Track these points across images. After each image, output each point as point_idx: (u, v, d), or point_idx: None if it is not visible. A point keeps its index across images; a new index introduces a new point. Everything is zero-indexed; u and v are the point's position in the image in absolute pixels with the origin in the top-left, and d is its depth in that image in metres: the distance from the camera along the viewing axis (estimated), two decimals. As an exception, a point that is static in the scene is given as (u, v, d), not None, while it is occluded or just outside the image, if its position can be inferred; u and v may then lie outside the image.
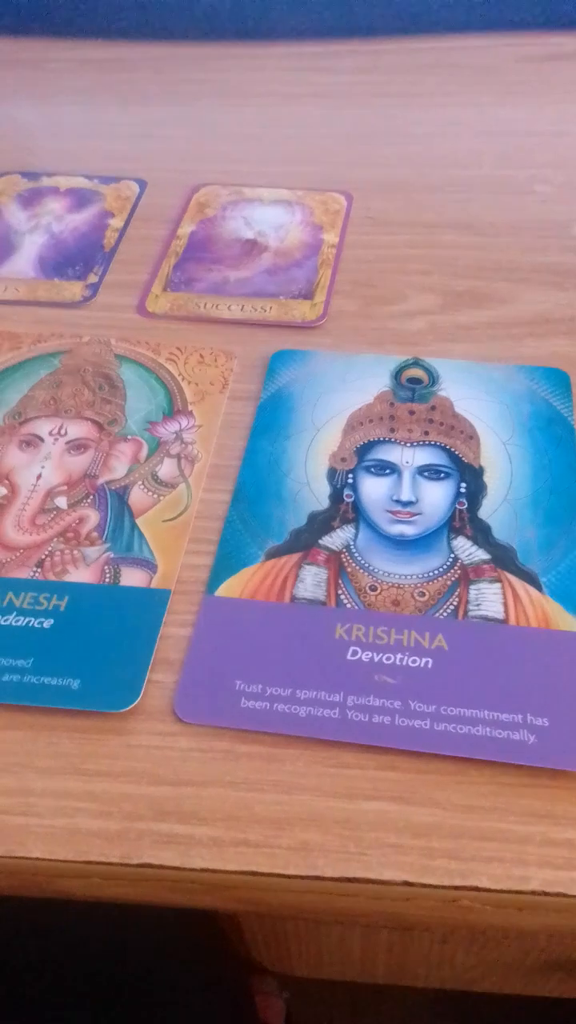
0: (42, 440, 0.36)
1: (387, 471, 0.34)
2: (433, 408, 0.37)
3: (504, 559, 0.31)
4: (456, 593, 0.30)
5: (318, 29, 0.60)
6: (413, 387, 0.38)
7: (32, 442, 0.36)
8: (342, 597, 0.30)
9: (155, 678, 0.29)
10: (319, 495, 0.34)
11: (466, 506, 0.33)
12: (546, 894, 0.24)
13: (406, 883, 0.24)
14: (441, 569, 0.31)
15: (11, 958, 0.40)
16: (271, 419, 0.37)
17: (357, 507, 0.33)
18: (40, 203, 0.48)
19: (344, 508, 0.33)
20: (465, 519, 0.33)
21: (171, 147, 0.53)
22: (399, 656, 0.29)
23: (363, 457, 0.35)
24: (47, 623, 0.30)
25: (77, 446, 0.35)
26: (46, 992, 0.39)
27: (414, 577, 0.31)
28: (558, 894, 0.23)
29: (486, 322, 0.41)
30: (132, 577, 0.31)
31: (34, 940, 0.40)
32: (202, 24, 0.60)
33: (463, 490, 0.34)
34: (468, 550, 0.32)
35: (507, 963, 0.46)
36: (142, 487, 0.34)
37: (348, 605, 0.30)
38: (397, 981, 0.51)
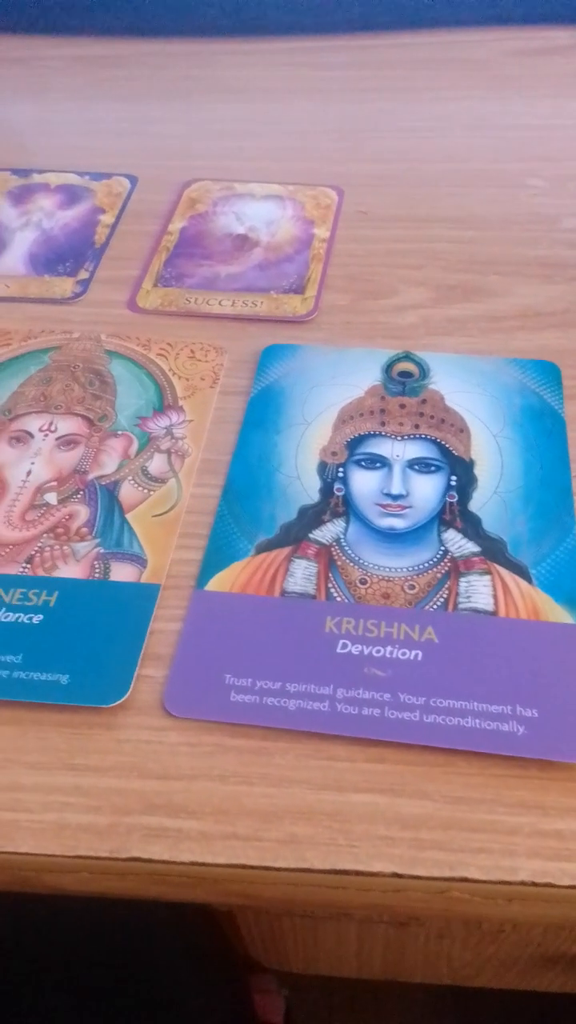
0: (32, 436, 0.36)
1: (377, 465, 0.34)
2: (424, 401, 0.37)
3: (494, 551, 0.31)
4: (446, 586, 0.30)
5: (309, 25, 0.59)
6: (404, 381, 0.38)
7: (22, 438, 0.35)
8: (332, 590, 0.30)
9: (145, 673, 0.28)
10: (309, 489, 0.34)
11: (456, 499, 0.33)
12: (535, 884, 0.23)
13: (395, 875, 0.24)
14: (431, 562, 0.31)
15: (5, 956, 0.40)
16: (262, 414, 0.37)
17: (347, 501, 0.33)
18: (31, 200, 0.48)
19: (334, 502, 0.33)
20: (455, 512, 0.33)
21: (163, 143, 0.53)
22: (389, 649, 0.29)
23: (354, 451, 0.35)
24: (36, 619, 0.30)
25: (67, 442, 0.35)
26: (42, 992, 0.39)
27: (404, 570, 0.31)
28: (547, 884, 0.23)
29: (477, 315, 0.41)
30: (122, 572, 0.31)
31: (28, 939, 0.40)
32: (194, 20, 0.60)
33: (453, 483, 0.34)
34: (458, 543, 0.32)
35: (504, 958, 0.46)
36: (132, 482, 0.34)
37: (338, 598, 0.30)
38: (394, 977, 0.51)
